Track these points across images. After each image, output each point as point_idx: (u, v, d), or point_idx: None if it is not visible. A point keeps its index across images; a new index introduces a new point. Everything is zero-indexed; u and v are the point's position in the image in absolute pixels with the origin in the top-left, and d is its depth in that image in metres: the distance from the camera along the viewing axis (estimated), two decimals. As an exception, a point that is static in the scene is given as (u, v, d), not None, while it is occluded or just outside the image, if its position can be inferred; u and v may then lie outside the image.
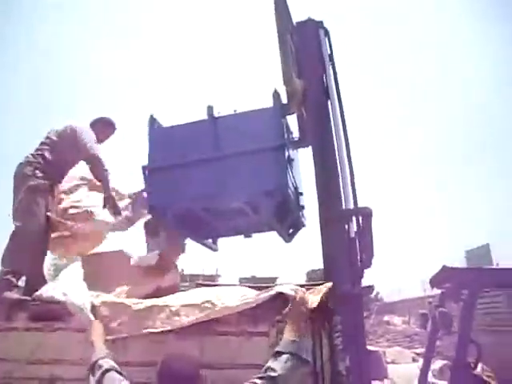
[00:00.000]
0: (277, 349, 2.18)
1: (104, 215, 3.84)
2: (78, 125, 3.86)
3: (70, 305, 2.90)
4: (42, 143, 3.80)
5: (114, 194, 3.82)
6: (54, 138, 3.81)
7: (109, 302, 2.94)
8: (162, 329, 2.68)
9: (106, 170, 3.77)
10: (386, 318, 24.07)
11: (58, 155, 3.75)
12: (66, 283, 3.27)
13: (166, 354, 2.16)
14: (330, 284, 2.66)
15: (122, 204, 3.95)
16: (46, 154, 3.71)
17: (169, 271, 3.62)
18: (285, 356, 2.13)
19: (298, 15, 3.52)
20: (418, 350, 13.95)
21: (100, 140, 4.01)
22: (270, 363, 2.12)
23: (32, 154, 3.72)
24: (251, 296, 2.64)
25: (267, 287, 2.78)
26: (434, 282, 4.12)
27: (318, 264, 3.06)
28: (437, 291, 4.59)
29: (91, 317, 2.81)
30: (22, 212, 3.51)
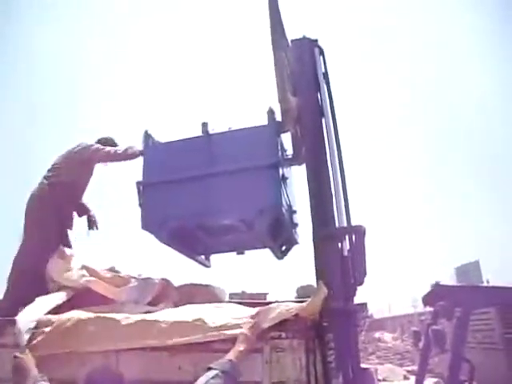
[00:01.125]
0: (210, 365, 2.23)
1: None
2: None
3: (17, 324, 2.90)
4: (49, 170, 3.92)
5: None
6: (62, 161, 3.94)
7: (99, 317, 2.92)
8: (152, 344, 2.65)
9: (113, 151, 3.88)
10: (376, 334, 23.96)
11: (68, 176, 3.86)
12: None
13: (91, 369, 2.23)
14: (322, 295, 2.65)
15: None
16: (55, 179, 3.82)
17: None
18: (213, 372, 2.17)
19: (293, 33, 3.57)
20: (409, 368, 13.91)
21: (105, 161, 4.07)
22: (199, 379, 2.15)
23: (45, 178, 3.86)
24: (245, 317, 2.63)
25: (259, 304, 2.77)
26: (427, 299, 4.13)
27: (308, 280, 3.07)
28: (428, 308, 4.59)
29: (23, 341, 2.79)
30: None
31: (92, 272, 3.51)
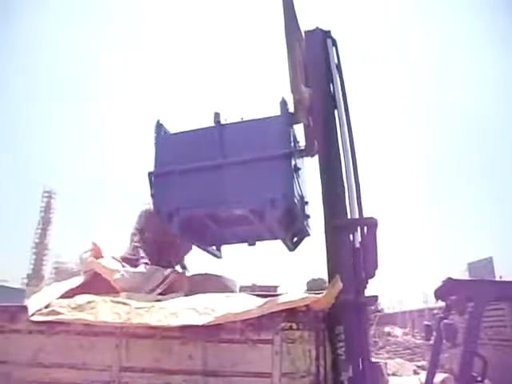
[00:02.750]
0: None
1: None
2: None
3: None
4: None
5: None
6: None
7: (111, 299, 2.98)
8: (158, 323, 2.68)
9: None
10: (386, 329, 23.91)
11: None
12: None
13: None
14: (336, 290, 2.64)
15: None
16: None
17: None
18: None
19: (306, 24, 3.54)
20: (419, 363, 13.85)
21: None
22: None
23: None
24: (254, 304, 2.63)
25: (271, 295, 2.77)
26: (439, 293, 4.08)
27: (319, 273, 3.06)
28: (439, 303, 4.55)
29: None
30: None
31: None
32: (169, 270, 3.69)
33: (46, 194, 53.38)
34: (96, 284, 3.45)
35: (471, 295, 3.63)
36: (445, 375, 5.68)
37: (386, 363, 11.85)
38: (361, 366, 2.72)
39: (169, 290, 3.48)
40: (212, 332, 2.60)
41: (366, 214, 3.03)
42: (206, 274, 3.90)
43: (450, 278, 3.91)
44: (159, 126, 3.68)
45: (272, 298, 2.68)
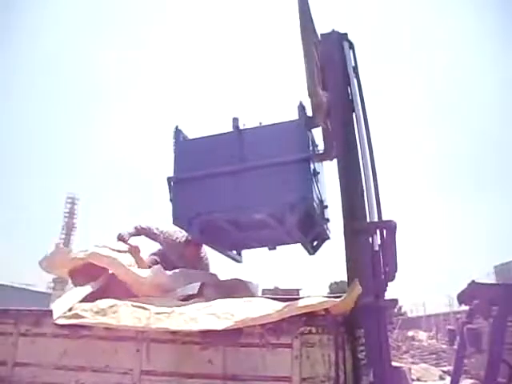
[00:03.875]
0: None
1: None
2: None
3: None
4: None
5: None
6: None
7: (132, 304, 3.02)
8: (178, 328, 2.70)
9: None
10: (410, 333, 23.54)
11: None
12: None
13: None
14: (355, 294, 2.62)
15: None
16: None
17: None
18: None
19: (322, 27, 3.54)
20: (445, 368, 13.60)
21: None
22: None
23: None
24: (274, 309, 2.63)
25: (294, 299, 2.77)
26: (462, 297, 4.01)
27: (340, 276, 3.05)
28: (464, 307, 4.47)
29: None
30: None
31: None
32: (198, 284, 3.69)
33: (69, 200, 54.47)
34: (114, 287, 3.51)
35: (495, 299, 3.56)
36: (471, 381, 5.57)
37: (410, 368, 11.67)
38: (382, 371, 2.69)
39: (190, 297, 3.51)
40: (232, 336, 2.61)
41: (385, 217, 3.01)
42: (235, 279, 3.90)
43: (473, 282, 3.84)
44: (178, 132, 3.72)
45: (291, 302, 2.68)
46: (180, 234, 4.34)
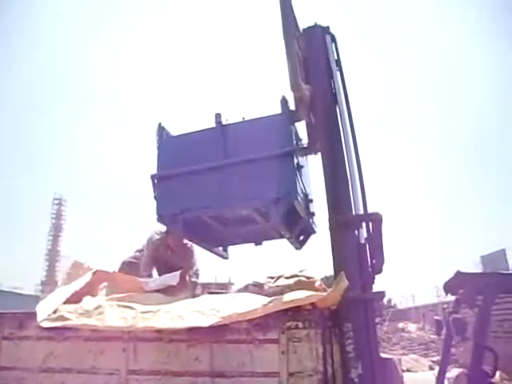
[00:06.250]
0: None
1: None
2: None
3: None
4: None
5: None
6: None
7: (117, 304, 3.01)
8: (164, 326, 2.68)
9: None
10: (400, 324, 23.78)
11: None
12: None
13: None
14: (342, 288, 2.62)
15: None
16: None
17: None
18: None
19: (304, 21, 3.52)
20: (434, 358, 13.77)
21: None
22: None
23: None
24: (259, 303, 2.62)
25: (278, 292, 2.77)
26: (448, 287, 4.03)
27: (329, 271, 3.04)
28: (452, 297, 4.51)
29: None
30: None
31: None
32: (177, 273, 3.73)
33: (56, 202, 53.93)
34: (97, 285, 3.50)
35: (480, 288, 3.59)
36: (460, 370, 5.61)
37: (400, 359, 11.77)
38: (371, 363, 2.70)
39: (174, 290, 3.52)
40: (218, 333, 2.60)
41: (371, 209, 3.01)
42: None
43: (458, 272, 3.86)
44: (161, 129, 3.68)
45: (277, 296, 2.67)
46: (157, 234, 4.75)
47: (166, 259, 4.72)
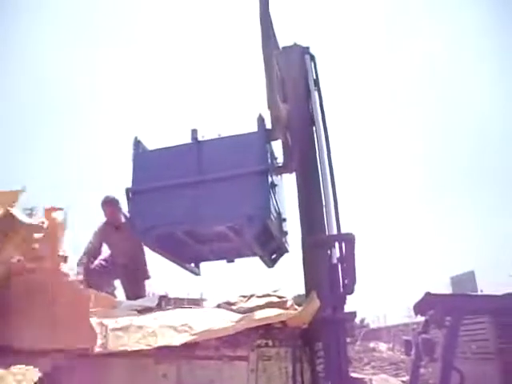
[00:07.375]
0: None
1: None
2: None
3: None
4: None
5: None
6: None
7: None
8: (136, 348, 2.61)
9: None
10: (371, 344, 23.83)
11: None
12: None
13: None
14: (313, 307, 2.62)
15: None
16: None
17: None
18: None
19: (284, 40, 3.57)
20: (404, 378, 13.80)
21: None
22: None
23: None
24: (231, 320, 2.60)
25: (249, 310, 2.75)
26: (418, 308, 4.10)
27: (303, 289, 3.05)
28: (421, 318, 4.57)
29: None
30: None
31: None
32: None
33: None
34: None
35: (448, 309, 3.65)
36: (428, 390, 5.66)
37: (370, 379, 11.79)
38: (341, 382, 2.70)
39: None
40: (187, 349, 2.56)
41: (344, 230, 3.05)
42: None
43: (428, 293, 3.93)
44: (137, 143, 3.66)
45: (248, 313, 2.66)
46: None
47: (114, 239, 5.05)
